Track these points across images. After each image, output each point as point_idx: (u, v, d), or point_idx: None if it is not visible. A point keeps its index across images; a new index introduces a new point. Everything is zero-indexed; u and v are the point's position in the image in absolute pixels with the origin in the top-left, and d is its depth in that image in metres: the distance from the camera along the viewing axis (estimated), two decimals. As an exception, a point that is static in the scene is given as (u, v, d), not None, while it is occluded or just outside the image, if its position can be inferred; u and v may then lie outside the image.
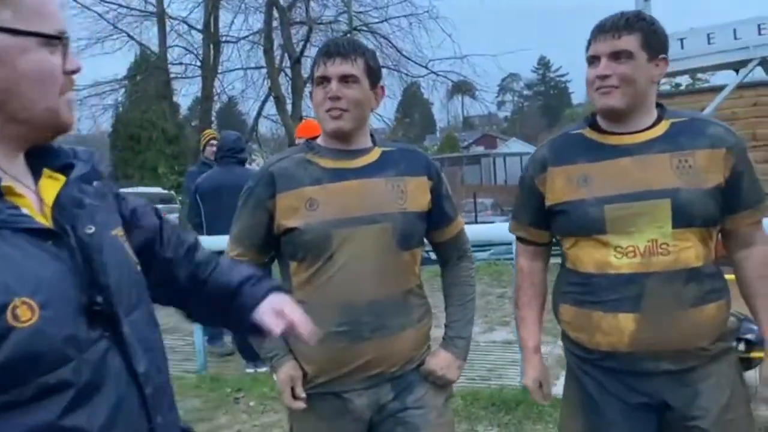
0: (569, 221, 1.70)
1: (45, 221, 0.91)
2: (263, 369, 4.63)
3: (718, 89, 6.00)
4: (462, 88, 18.85)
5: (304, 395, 1.74)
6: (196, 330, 4.95)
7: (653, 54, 1.64)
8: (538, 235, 1.85)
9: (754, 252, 1.70)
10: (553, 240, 1.86)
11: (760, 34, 5.14)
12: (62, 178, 0.97)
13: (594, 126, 1.74)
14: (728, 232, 1.71)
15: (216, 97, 17.27)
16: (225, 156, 4.91)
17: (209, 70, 16.03)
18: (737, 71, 5.62)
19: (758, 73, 6.47)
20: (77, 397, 0.87)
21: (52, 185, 0.96)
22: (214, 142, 5.81)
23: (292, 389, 1.74)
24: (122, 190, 1.30)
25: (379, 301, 1.68)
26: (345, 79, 1.68)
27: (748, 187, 1.66)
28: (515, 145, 41.39)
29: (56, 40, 0.92)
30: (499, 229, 5.19)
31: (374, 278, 1.68)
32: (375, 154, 1.78)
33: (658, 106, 1.72)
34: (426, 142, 49.93)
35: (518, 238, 1.91)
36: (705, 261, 1.62)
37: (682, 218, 1.59)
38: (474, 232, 5.78)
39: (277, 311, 1.21)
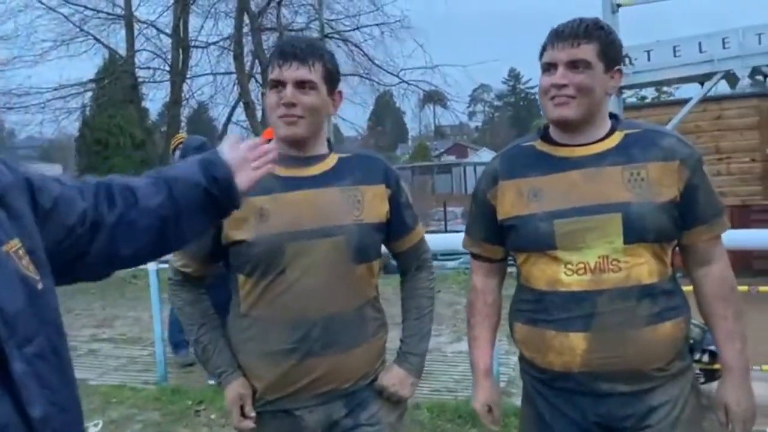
0: (520, 236, 1.64)
1: None
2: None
3: (683, 102, 6.08)
4: (433, 97, 18.93)
5: (253, 414, 1.67)
6: (158, 340, 4.81)
7: (610, 65, 1.58)
8: (492, 251, 1.78)
9: (713, 270, 1.64)
10: (509, 256, 1.79)
11: (724, 47, 5.23)
12: None
13: (545, 138, 1.68)
14: (685, 247, 1.65)
15: (185, 102, 17.06)
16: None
17: (178, 74, 15.80)
18: (702, 84, 5.71)
19: (723, 87, 6.60)
20: None
21: None
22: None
23: (241, 407, 1.67)
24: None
25: (331, 316, 1.62)
26: (301, 84, 1.61)
27: (704, 201, 1.60)
28: (486, 155, 41.71)
29: None
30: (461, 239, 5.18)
31: (327, 293, 1.62)
32: (331, 162, 1.72)
33: (612, 117, 1.67)
34: (398, 151, 50.11)
35: (472, 255, 1.83)
36: (660, 277, 1.57)
37: (633, 233, 1.53)
38: (444, 241, 5.75)
39: (242, 159, 1.32)
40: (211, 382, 4.63)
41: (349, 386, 1.68)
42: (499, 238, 1.72)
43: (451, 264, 10.39)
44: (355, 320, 1.67)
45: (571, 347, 1.57)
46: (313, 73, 1.62)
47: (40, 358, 0.90)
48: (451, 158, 44.66)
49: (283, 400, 1.66)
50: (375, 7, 16.40)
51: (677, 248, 1.66)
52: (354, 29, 16.71)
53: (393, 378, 1.75)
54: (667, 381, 1.60)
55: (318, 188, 1.66)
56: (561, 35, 1.57)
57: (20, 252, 0.94)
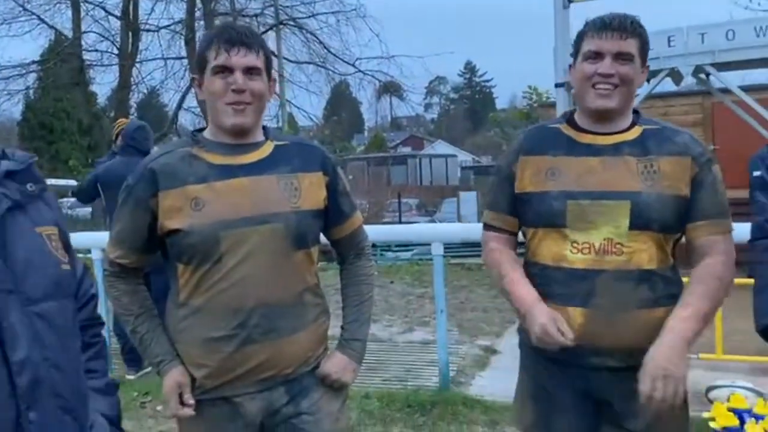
0: (533, 211, 1.71)
1: None
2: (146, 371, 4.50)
3: (631, 98, 6.25)
4: (390, 88, 18.93)
5: (192, 401, 1.64)
6: (104, 331, 4.68)
7: (644, 60, 1.69)
8: (510, 222, 1.82)
9: (707, 260, 1.66)
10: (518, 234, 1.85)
11: (669, 45, 5.39)
12: None
13: (571, 122, 1.77)
14: (688, 241, 1.71)
15: (134, 87, 16.61)
16: (128, 145, 4.68)
17: (127, 58, 15.37)
18: (648, 81, 5.87)
19: (669, 85, 6.78)
20: None
21: None
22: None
23: (180, 396, 1.64)
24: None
25: (270, 303, 1.61)
26: (250, 70, 1.60)
27: (709, 198, 1.66)
28: (441, 147, 42.09)
29: None
30: (423, 229, 5.23)
31: (265, 280, 1.60)
32: (267, 149, 1.69)
33: (634, 112, 1.76)
34: (354, 141, 49.99)
35: (486, 226, 1.85)
36: (660, 265, 1.64)
37: (639, 221, 1.61)
38: (398, 232, 5.79)
39: None
40: (129, 377, 4.57)
41: (290, 373, 1.67)
42: (515, 210, 1.79)
43: (404, 255, 10.45)
44: (294, 307, 1.66)
45: (569, 321, 1.63)
46: (259, 59, 1.61)
47: (41, 319, 1.03)
48: (407, 150, 44.81)
49: (222, 387, 1.64)
50: (331, -6, 16.27)
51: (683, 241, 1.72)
52: (309, 16, 16.55)
53: (335, 365, 1.75)
54: None
55: (254, 176, 1.64)
56: (610, 26, 1.64)
57: (53, 237, 1.12)
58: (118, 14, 15.49)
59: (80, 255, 3.88)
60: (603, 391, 1.69)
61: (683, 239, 1.73)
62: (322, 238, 1.80)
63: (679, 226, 1.67)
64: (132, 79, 16.07)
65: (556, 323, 1.62)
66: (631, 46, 1.64)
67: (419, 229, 5.13)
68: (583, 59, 1.68)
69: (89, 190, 4.83)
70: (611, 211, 1.63)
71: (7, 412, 0.95)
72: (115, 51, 15.79)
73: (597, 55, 1.65)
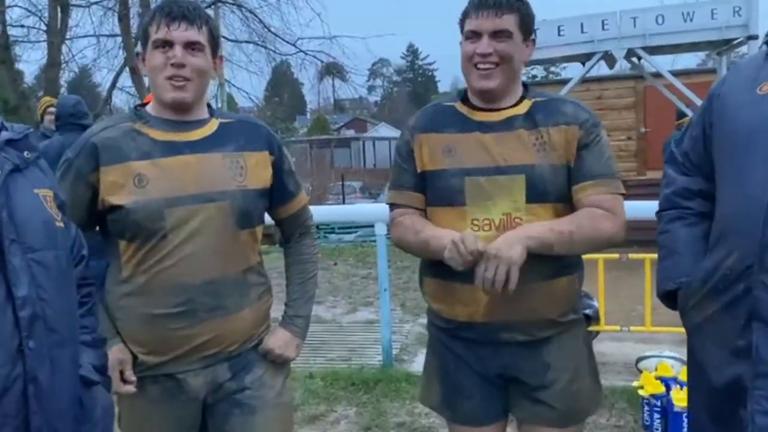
0: (432, 190, 1.70)
1: None
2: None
3: (566, 81, 6.40)
4: (332, 69, 18.74)
5: (134, 378, 1.63)
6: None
7: (526, 35, 1.68)
8: (416, 199, 1.75)
9: (591, 207, 1.64)
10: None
11: (603, 29, 5.54)
12: None
13: (464, 100, 1.76)
14: (575, 204, 1.68)
15: (64, 66, 15.88)
16: (67, 123, 4.47)
17: (56, 35, 14.67)
18: (584, 64, 6.02)
19: (605, 69, 6.98)
20: None
21: None
22: (52, 110, 5.30)
23: (121, 373, 1.62)
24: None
25: (215, 281, 1.61)
26: (191, 45, 1.58)
27: (594, 160, 1.66)
28: (384, 130, 42.03)
29: None
30: (361, 208, 5.24)
31: (210, 258, 1.60)
32: (212, 126, 1.68)
33: (524, 86, 1.76)
34: (296, 123, 49.38)
35: (393, 206, 1.79)
36: None
37: (535, 193, 1.62)
38: (341, 213, 5.79)
39: None
40: None
41: (233, 350, 1.67)
42: (419, 187, 1.74)
43: (347, 237, 10.46)
44: (239, 285, 1.66)
45: (476, 299, 1.64)
46: (201, 34, 1.59)
47: (39, 265, 1.17)
48: (350, 132, 44.63)
49: (166, 364, 1.62)
50: (271, -29, 15.93)
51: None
52: (249, -6, 16.16)
53: (278, 340, 1.76)
54: (561, 332, 1.70)
55: (199, 153, 1.62)
56: (485, 4, 1.64)
57: (49, 199, 1.26)
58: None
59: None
60: (514, 366, 1.70)
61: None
62: (266, 219, 1.79)
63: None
64: (62, 57, 15.36)
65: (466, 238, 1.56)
66: (507, 22, 1.63)
67: (363, 209, 5.15)
68: (464, 39, 1.69)
69: None
70: (508, 186, 1.62)
71: (12, 341, 1.10)
72: (43, 27, 15.05)
73: (475, 35, 1.65)
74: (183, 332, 1.59)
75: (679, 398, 3.08)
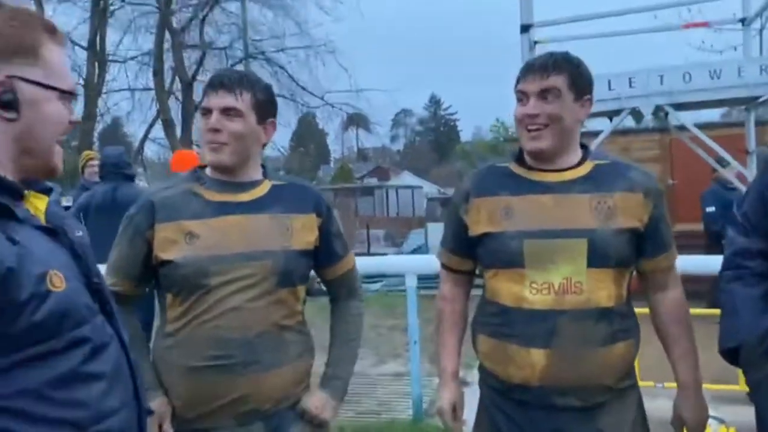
0: (490, 252, 1.71)
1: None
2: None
3: (595, 134, 6.48)
4: (356, 120, 19.13)
5: (171, 431, 1.67)
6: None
7: (579, 94, 1.67)
8: (461, 263, 1.85)
9: (670, 294, 1.76)
10: (476, 271, 1.87)
11: (630, 86, 5.64)
12: (45, 197, 1.19)
13: (520, 160, 1.76)
14: (645, 274, 1.74)
15: (99, 118, 16.45)
16: (111, 172, 4.61)
17: (93, 89, 15.24)
18: (611, 119, 6.11)
19: (628, 122, 7.06)
20: (93, 351, 1.10)
21: (38, 201, 1.19)
22: (93, 163, 5.49)
23: (160, 426, 1.66)
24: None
25: (253, 336, 1.64)
26: (227, 111, 1.67)
27: (664, 231, 1.71)
28: (407, 178, 42.36)
29: (70, 95, 1.17)
30: (392, 260, 5.28)
31: (250, 314, 1.64)
32: (264, 188, 1.76)
33: (583, 147, 1.76)
34: (320, 173, 50.00)
35: (442, 265, 1.90)
36: (616, 301, 1.65)
37: (597, 258, 1.61)
38: (367, 263, 5.83)
39: None
40: None
41: (269, 407, 1.68)
42: (468, 252, 1.80)
43: (374, 287, 10.45)
44: (277, 342, 1.68)
45: (532, 362, 1.62)
46: (239, 101, 1.67)
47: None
48: (373, 180, 45.01)
49: (201, 419, 1.65)
50: (300, 29, 16.51)
51: (635, 274, 1.76)
52: (278, 50, 16.72)
53: (315, 400, 1.76)
54: (615, 398, 1.68)
55: (248, 214, 1.70)
56: (532, 68, 1.67)
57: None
58: (85, 44, 15.40)
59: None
60: (568, 430, 1.68)
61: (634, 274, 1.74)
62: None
63: (634, 259, 1.69)
64: (98, 110, 15.92)
65: (454, 408, 1.81)
66: (555, 81, 1.63)
67: (391, 260, 5.19)
68: (516, 102, 1.71)
69: None
70: (568, 249, 1.61)
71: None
72: (81, 81, 15.66)
73: (524, 96, 1.67)
74: (218, 386, 1.62)
75: (719, 459, 3.01)
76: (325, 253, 1.82)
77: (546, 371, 1.62)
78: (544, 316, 1.61)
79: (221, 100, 1.66)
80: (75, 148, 16.19)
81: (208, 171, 1.77)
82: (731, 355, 1.63)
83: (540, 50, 6.08)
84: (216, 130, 1.66)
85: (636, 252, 1.68)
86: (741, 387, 3.96)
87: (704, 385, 3.90)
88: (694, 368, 1.74)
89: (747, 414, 2.59)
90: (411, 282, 4.17)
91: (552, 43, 6.25)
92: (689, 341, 1.75)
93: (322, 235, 1.79)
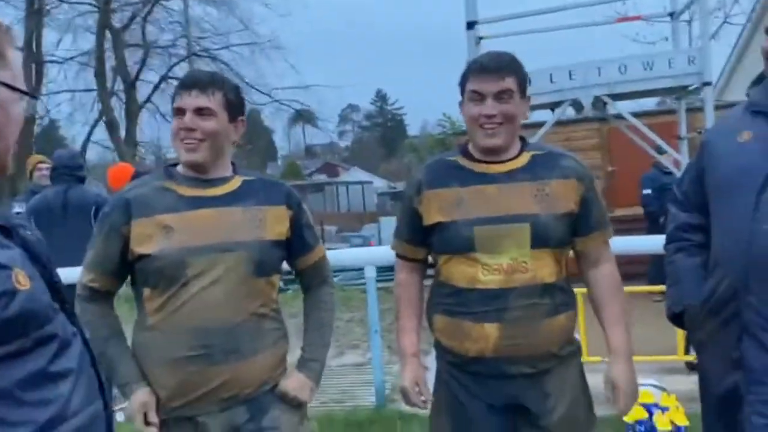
0: (443, 240, 1.85)
1: None
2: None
3: (538, 125, 6.74)
4: (304, 116, 19.08)
5: (156, 420, 1.73)
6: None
7: (523, 93, 1.84)
8: (415, 252, 1.99)
9: (603, 269, 1.93)
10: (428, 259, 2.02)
11: (570, 79, 5.91)
12: None
13: (466, 154, 1.92)
14: (580, 252, 1.92)
15: (39, 121, 15.95)
16: (62, 174, 4.58)
17: (31, 91, 14.76)
18: (553, 110, 6.38)
19: (570, 113, 7.35)
20: (59, 348, 1.09)
21: None
22: (42, 166, 5.42)
23: (145, 415, 1.73)
24: None
25: (232, 326, 1.72)
26: (200, 111, 1.73)
27: (596, 212, 1.88)
28: (357, 174, 42.39)
29: (33, 97, 1.18)
30: (348, 254, 5.39)
31: (228, 304, 1.72)
32: (235, 183, 1.83)
33: (521, 139, 1.93)
34: (268, 170, 49.48)
35: (397, 255, 2.04)
36: (557, 277, 1.83)
37: (539, 240, 1.78)
38: (333, 257, 5.89)
39: None
40: None
41: (250, 392, 1.76)
42: (422, 240, 1.94)
43: (329, 281, 10.50)
44: (255, 330, 1.76)
45: (486, 336, 1.79)
46: (211, 101, 1.74)
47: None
48: (322, 177, 44.86)
49: (186, 407, 1.73)
50: (244, 26, 16.37)
51: (572, 253, 1.95)
52: (223, 48, 16.55)
53: (293, 383, 1.85)
54: (559, 363, 1.86)
55: (221, 207, 1.77)
56: (488, 69, 1.80)
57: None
58: (20, 46, 14.89)
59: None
60: (519, 397, 1.84)
61: (571, 253, 1.94)
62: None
63: (570, 240, 1.88)
64: (36, 113, 15.41)
65: (417, 385, 1.94)
66: (509, 83, 1.78)
67: (348, 254, 5.33)
68: (468, 100, 1.83)
69: None
70: (514, 234, 1.77)
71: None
72: (18, 83, 15.13)
73: (479, 96, 1.79)
74: (201, 375, 1.70)
75: (662, 422, 3.26)
76: (297, 244, 1.91)
77: (499, 343, 1.79)
78: (495, 294, 1.78)
79: (194, 100, 1.73)
80: (13, 154, 15.65)
81: (179, 168, 1.83)
82: (678, 319, 1.84)
83: (485, 46, 6.29)
84: (190, 129, 1.73)
85: (572, 232, 1.87)
86: (680, 357, 4.26)
87: (648, 357, 4.18)
88: (624, 335, 1.91)
89: (685, 382, 2.84)
90: (370, 273, 4.30)
91: (497, 38, 6.48)
92: (621, 311, 1.93)
93: (293, 227, 1.88)
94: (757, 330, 1.52)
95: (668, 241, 1.90)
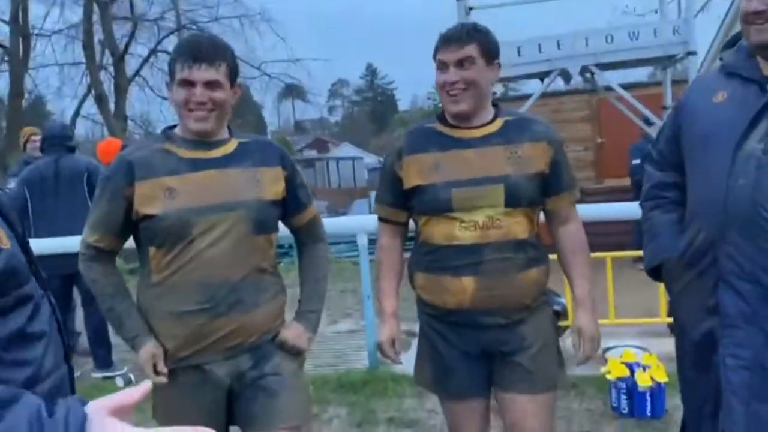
0: (423, 202, 1.96)
1: None
2: (113, 374, 4.57)
3: (526, 97, 6.81)
4: (294, 91, 19.00)
5: (165, 370, 1.83)
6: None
7: (490, 60, 1.94)
8: (397, 214, 2.10)
9: (571, 227, 2.06)
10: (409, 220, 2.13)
11: (559, 48, 5.98)
12: None
13: (443, 120, 2.03)
14: (550, 211, 2.05)
15: (27, 95, 15.80)
16: (53, 144, 4.64)
17: (19, 64, 14.60)
18: (542, 80, 6.44)
19: (560, 85, 7.42)
20: (34, 309, 1.09)
21: None
22: (35, 138, 5.48)
23: (154, 366, 1.82)
24: None
25: (235, 280, 1.80)
26: (209, 84, 1.78)
27: (565, 173, 2.00)
28: (347, 149, 42.23)
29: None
30: (341, 222, 5.47)
31: (231, 260, 1.80)
32: (231, 145, 1.90)
33: (494, 105, 2.02)
34: (258, 146, 48.91)
35: (380, 218, 2.15)
36: (529, 234, 1.95)
37: (512, 199, 1.89)
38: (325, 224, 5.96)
39: None
40: (95, 375, 4.59)
41: (253, 341, 1.86)
42: (404, 203, 2.05)
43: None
44: (256, 284, 1.85)
45: (463, 288, 1.92)
46: (219, 73, 1.79)
47: None
48: (312, 153, 44.67)
49: (193, 356, 1.82)
50: (233, -2, 16.21)
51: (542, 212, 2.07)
52: (212, 20, 16.39)
53: (292, 332, 1.95)
54: (532, 314, 1.99)
55: (221, 168, 1.84)
56: (449, 39, 1.92)
57: None
58: (6, 19, 14.70)
59: None
60: (495, 344, 1.97)
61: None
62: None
63: (541, 199, 1.99)
64: (25, 86, 15.29)
65: (393, 343, 2.08)
66: (470, 51, 1.89)
67: (345, 221, 5.42)
68: (436, 69, 1.95)
69: (18, 199, 4.62)
70: (489, 194, 1.89)
71: (59, 339, 1.18)
72: (6, 57, 14.97)
73: (443, 65, 1.92)
74: (207, 326, 1.79)
75: (643, 379, 3.40)
76: (292, 203, 1.99)
77: (475, 294, 1.92)
78: (471, 249, 1.90)
79: (204, 73, 1.76)
80: (5, 127, 15.55)
81: (177, 130, 1.89)
82: (656, 272, 1.94)
83: (474, 16, 6.33)
84: (202, 103, 1.78)
85: (543, 192, 1.98)
86: (662, 320, 4.40)
87: (632, 320, 4.31)
88: (588, 287, 2.05)
89: (667, 344, 2.96)
90: (362, 241, 4.38)
91: (486, 9, 6.52)
92: (585, 265, 2.06)
93: (288, 186, 1.96)
94: (732, 278, 1.62)
95: (644, 199, 2.00)
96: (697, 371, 1.79)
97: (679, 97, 1.91)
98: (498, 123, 1.98)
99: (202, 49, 1.79)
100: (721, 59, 1.84)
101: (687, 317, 1.81)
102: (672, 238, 1.84)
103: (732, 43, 1.82)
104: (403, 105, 68.62)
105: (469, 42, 1.90)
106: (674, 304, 1.90)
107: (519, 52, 5.97)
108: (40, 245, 4.44)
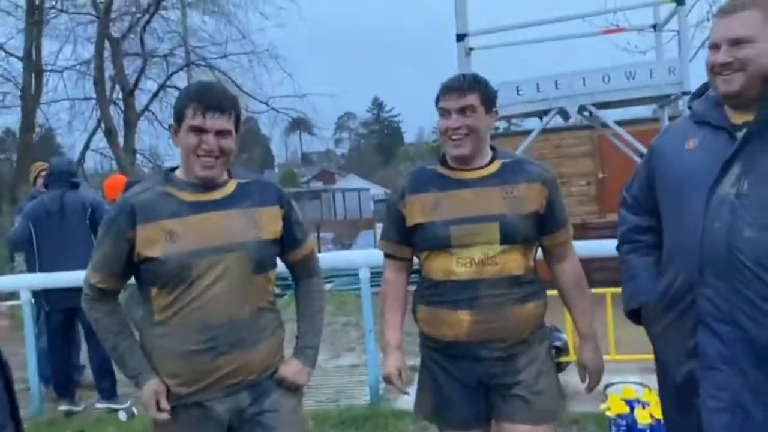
0: (424, 238, 2.07)
1: None
2: (117, 406, 4.59)
3: (527, 132, 6.93)
4: (301, 124, 19.23)
5: (168, 407, 1.88)
6: (31, 373, 4.68)
7: (489, 108, 2.07)
8: (401, 251, 2.20)
9: (567, 264, 2.16)
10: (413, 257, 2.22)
11: (557, 88, 6.12)
12: None
13: (444, 163, 2.14)
14: (546, 248, 2.15)
15: (38, 129, 16.06)
16: (57, 180, 4.76)
17: (31, 100, 14.88)
18: (541, 118, 6.57)
19: (560, 121, 7.54)
20: None
21: None
22: (45, 173, 5.59)
23: (157, 402, 1.87)
24: None
25: (235, 319, 1.86)
26: (221, 133, 1.85)
27: (560, 212, 2.11)
28: (353, 181, 42.49)
29: None
30: (341, 257, 5.55)
31: (231, 300, 1.85)
32: (231, 187, 1.96)
33: (492, 148, 2.14)
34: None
35: (385, 254, 2.24)
36: (525, 270, 2.03)
37: (507, 237, 1.99)
38: (329, 259, 6.02)
39: None
40: (99, 406, 4.63)
41: (253, 378, 1.91)
42: (407, 240, 2.15)
43: (326, 286, 10.61)
44: (255, 322, 1.90)
45: (459, 321, 2.01)
46: (230, 122, 1.87)
47: None
48: (318, 184, 44.93)
49: (195, 393, 1.86)
50: (242, 35, 16.54)
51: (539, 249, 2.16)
52: (221, 57, 16.69)
53: (291, 368, 2.00)
54: (530, 346, 2.07)
55: (221, 210, 1.89)
56: (451, 89, 2.05)
57: None
58: (20, 55, 15.04)
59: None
60: (492, 376, 2.04)
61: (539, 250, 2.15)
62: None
63: (537, 237, 2.09)
64: (36, 121, 15.56)
65: (400, 374, 2.15)
66: (471, 100, 2.02)
67: (348, 255, 5.51)
68: (439, 116, 2.08)
69: (24, 233, 4.76)
70: (485, 231, 1.99)
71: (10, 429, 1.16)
72: (18, 92, 15.25)
73: (446, 112, 2.05)
74: (210, 365, 1.85)
75: (642, 416, 3.42)
76: (288, 240, 2.05)
77: (471, 327, 2.00)
78: (467, 284, 2.00)
79: (217, 122, 1.83)
80: (9, 161, 15.78)
81: (178, 173, 1.96)
82: (635, 315, 1.98)
83: (474, 57, 6.48)
84: (211, 151, 1.85)
85: (538, 230, 2.08)
86: (662, 356, 4.40)
87: (632, 356, 4.32)
88: (590, 321, 2.16)
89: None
90: (364, 274, 4.43)
91: (486, 50, 6.69)
92: (585, 300, 2.17)
93: (285, 224, 2.02)
94: (710, 319, 1.66)
95: (621, 242, 2.06)
96: (680, 413, 1.82)
97: (652, 143, 1.98)
98: (496, 165, 2.09)
99: (216, 98, 1.85)
100: (690, 108, 1.91)
101: (668, 359, 1.85)
102: (650, 281, 1.89)
103: (700, 92, 1.91)
104: (409, 137, 69.15)
105: (471, 92, 2.03)
106: (655, 346, 1.93)
107: (518, 91, 6.13)
108: (44, 279, 4.56)
